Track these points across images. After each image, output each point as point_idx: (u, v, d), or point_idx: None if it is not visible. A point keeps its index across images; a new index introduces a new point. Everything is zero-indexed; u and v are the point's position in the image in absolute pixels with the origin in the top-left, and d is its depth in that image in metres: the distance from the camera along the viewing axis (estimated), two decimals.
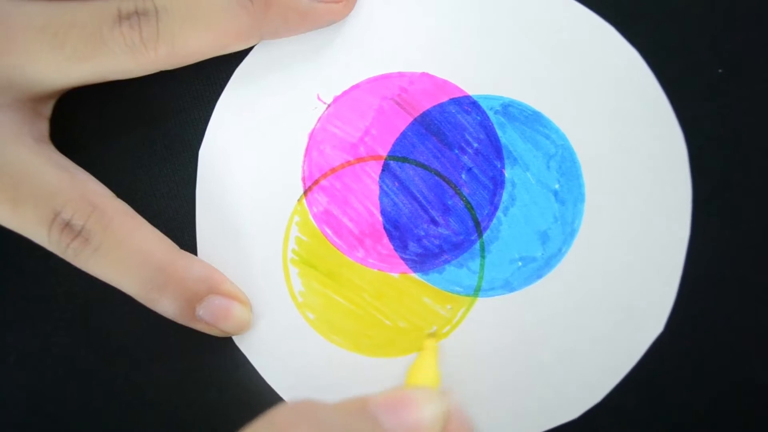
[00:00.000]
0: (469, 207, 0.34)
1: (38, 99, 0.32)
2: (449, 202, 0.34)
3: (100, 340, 0.35)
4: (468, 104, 0.33)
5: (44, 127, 0.33)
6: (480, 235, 0.34)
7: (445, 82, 0.33)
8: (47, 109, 0.33)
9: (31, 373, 0.35)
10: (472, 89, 0.33)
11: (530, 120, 0.33)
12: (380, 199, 0.34)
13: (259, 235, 0.34)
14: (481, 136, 0.33)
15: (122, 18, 0.30)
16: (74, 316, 0.35)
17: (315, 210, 0.34)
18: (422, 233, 0.34)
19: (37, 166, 0.31)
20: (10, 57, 0.30)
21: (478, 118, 0.33)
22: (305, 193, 0.34)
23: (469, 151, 0.34)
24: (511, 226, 0.34)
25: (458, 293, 0.34)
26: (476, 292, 0.34)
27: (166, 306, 0.32)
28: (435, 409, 0.25)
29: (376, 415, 0.24)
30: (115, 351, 0.35)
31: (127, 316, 0.34)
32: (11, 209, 0.30)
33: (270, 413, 0.24)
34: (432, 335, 0.34)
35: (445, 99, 0.34)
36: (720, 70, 0.33)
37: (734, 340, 0.33)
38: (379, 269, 0.34)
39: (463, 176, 0.34)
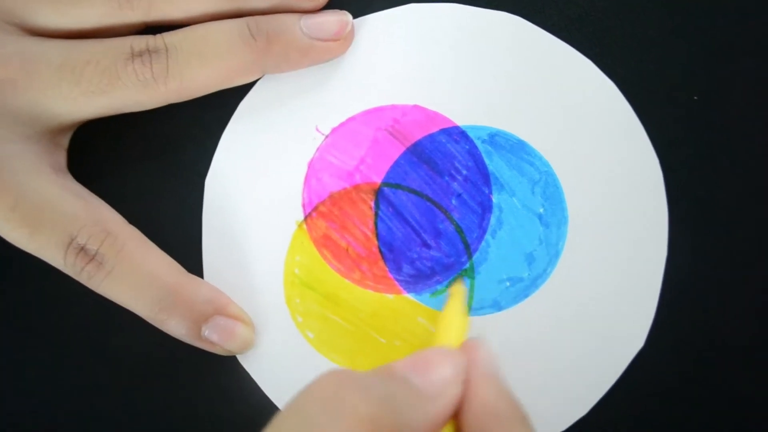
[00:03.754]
0: (459, 231, 0.35)
1: (57, 131, 0.33)
2: (440, 226, 0.35)
3: (110, 357, 0.35)
4: (457, 134, 0.35)
5: (62, 158, 0.34)
6: (470, 257, 0.35)
7: (435, 113, 0.35)
8: (65, 141, 0.34)
9: (44, 387, 0.36)
10: (461, 120, 0.35)
11: (515, 148, 0.34)
12: (375, 223, 0.35)
13: (262, 259, 0.35)
14: (470, 164, 0.35)
15: (135, 55, 0.32)
16: (87, 335, 0.35)
17: (314, 234, 0.35)
18: (415, 256, 0.35)
19: (55, 194, 0.32)
20: (32, 92, 0.31)
21: (467, 147, 0.35)
22: (305, 218, 0.35)
23: (459, 178, 0.35)
24: (499, 249, 0.34)
25: None
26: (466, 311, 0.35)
27: (174, 326, 0.33)
28: (456, 365, 0.26)
29: (406, 377, 0.25)
30: (124, 368, 0.35)
31: (136, 335, 0.34)
32: (30, 234, 0.31)
33: (313, 382, 0.24)
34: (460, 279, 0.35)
35: (435, 129, 0.35)
36: (695, 98, 0.34)
37: (711, 353, 0.34)
38: (375, 290, 0.35)
39: (453, 202, 0.35)
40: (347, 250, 0.35)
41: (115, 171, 0.35)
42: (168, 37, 0.32)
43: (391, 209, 0.35)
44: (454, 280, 0.34)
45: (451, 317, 0.31)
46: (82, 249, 0.32)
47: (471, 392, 0.26)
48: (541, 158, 0.34)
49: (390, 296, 0.35)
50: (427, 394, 0.25)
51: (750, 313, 0.34)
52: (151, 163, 0.35)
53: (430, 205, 0.35)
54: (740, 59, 0.34)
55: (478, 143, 0.35)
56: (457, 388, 0.26)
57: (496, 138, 0.34)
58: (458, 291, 0.33)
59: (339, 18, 0.33)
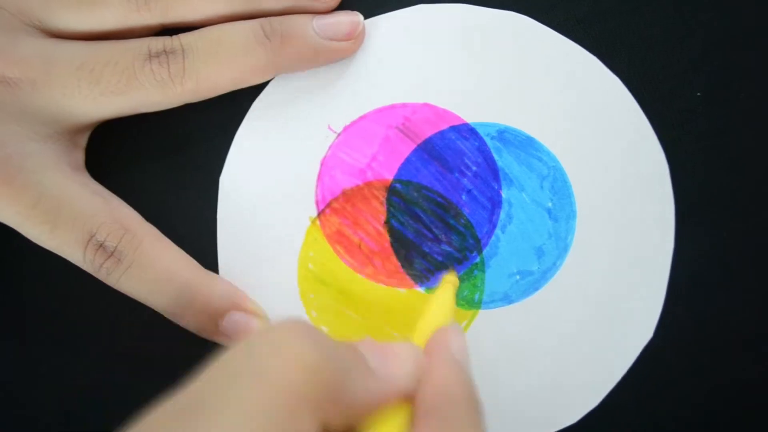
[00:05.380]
0: (470, 226, 0.35)
1: (75, 130, 0.33)
2: (451, 222, 0.35)
3: (127, 352, 0.36)
4: (466, 131, 0.35)
5: (80, 157, 0.34)
6: (480, 251, 0.35)
7: (445, 111, 0.35)
8: (83, 140, 0.34)
9: (60, 384, 0.36)
10: (470, 117, 0.35)
11: (524, 144, 0.35)
12: (387, 219, 0.35)
13: (276, 255, 0.35)
14: (479, 160, 0.35)
15: (152, 56, 0.32)
16: (103, 330, 0.36)
17: (328, 231, 0.35)
18: (427, 250, 0.35)
19: (74, 192, 0.32)
20: (51, 92, 0.32)
21: (476, 143, 0.35)
22: (318, 215, 0.35)
23: (469, 174, 0.35)
24: (508, 243, 0.35)
25: (461, 306, 0.35)
26: (478, 304, 0.35)
27: (191, 321, 0.33)
28: (413, 362, 0.26)
29: (363, 354, 0.25)
30: (141, 363, 0.36)
31: (153, 331, 0.35)
32: (50, 231, 0.32)
33: (270, 325, 0.24)
34: (452, 270, 0.35)
35: (445, 127, 0.35)
36: (698, 94, 0.35)
37: (718, 342, 0.35)
38: (387, 285, 0.35)
39: (464, 197, 0.35)
40: (360, 245, 0.35)
41: (132, 169, 0.36)
42: (184, 38, 0.33)
43: (402, 205, 0.35)
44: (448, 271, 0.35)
45: (434, 309, 0.31)
46: (101, 246, 0.32)
47: (430, 374, 0.26)
48: (549, 154, 0.35)
49: (402, 290, 0.35)
50: (377, 372, 0.25)
51: (756, 304, 0.35)
52: (166, 161, 0.36)
53: (441, 201, 0.35)
54: (742, 55, 0.35)
55: (487, 140, 0.35)
56: (408, 380, 0.26)
57: (504, 134, 0.35)
58: (449, 280, 0.34)
59: (351, 19, 0.34)
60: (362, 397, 0.24)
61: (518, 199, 0.35)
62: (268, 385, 0.22)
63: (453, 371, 0.26)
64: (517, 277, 0.35)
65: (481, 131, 0.35)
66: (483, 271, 0.35)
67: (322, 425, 0.23)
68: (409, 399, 0.26)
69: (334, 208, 0.35)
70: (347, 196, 0.35)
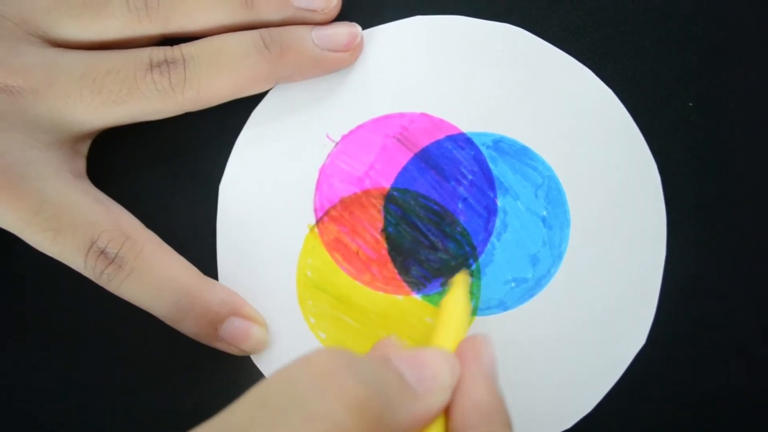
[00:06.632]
0: (466, 233, 0.35)
1: (77, 138, 0.34)
2: (447, 229, 0.35)
3: (127, 357, 0.36)
4: (462, 141, 0.35)
5: (82, 164, 0.34)
6: (476, 259, 0.35)
7: (442, 120, 0.36)
8: (84, 148, 0.35)
9: (61, 388, 0.36)
10: (466, 127, 0.35)
11: (519, 154, 0.35)
12: (385, 227, 0.35)
13: (275, 262, 0.35)
14: (475, 169, 0.35)
15: (153, 65, 0.32)
16: (104, 336, 0.36)
17: (326, 238, 0.36)
18: (423, 258, 0.35)
19: (75, 199, 0.33)
20: (54, 101, 0.32)
21: (472, 152, 0.35)
22: (317, 223, 0.36)
23: (465, 182, 0.35)
24: (504, 250, 0.35)
25: None
26: (473, 311, 0.35)
27: (191, 327, 0.34)
28: (452, 372, 0.26)
29: (400, 371, 0.25)
30: (140, 368, 0.36)
31: (153, 337, 0.35)
32: (52, 238, 0.32)
33: (307, 355, 0.24)
34: (465, 270, 0.35)
35: (441, 136, 0.35)
36: (690, 104, 0.36)
37: (710, 349, 0.35)
38: (385, 292, 0.35)
39: (460, 205, 0.35)
40: (358, 253, 0.36)
41: (132, 177, 0.36)
42: (185, 48, 0.33)
43: (399, 213, 0.35)
44: (457, 272, 0.35)
45: (452, 310, 0.31)
46: (102, 252, 0.32)
47: (464, 388, 0.26)
48: (543, 163, 0.35)
49: (399, 297, 0.36)
50: (417, 392, 0.25)
51: (747, 310, 0.36)
52: (167, 169, 0.36)
53: (437, 209, 0.36)
54: (733, 66, 0.36)
55: (483, 149, 0.35)
56: (448, 393, 0.26)
57: (500, 144, 0.35)
58: (461, 281, 0.34)
59: (349, 30, 0.34)
60: (407, 421, 0.24)
61: (513, 207, 0.35)
62: (317, 427, 0.22)
63: (487, 386, 0.27)
64: (512, 284, 0.35)
65: (476, 141, 0.36)
66: (479, 279, 0.35)
67: None
68: (445, 409, 0.26)
69: (332, 216, 0.36)
70: (345, 204, 0.36)
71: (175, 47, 0.33)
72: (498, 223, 0.35)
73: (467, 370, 0.27)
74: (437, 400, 0.26)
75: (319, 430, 0.22)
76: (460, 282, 0.33)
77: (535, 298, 0.35)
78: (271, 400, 0.23)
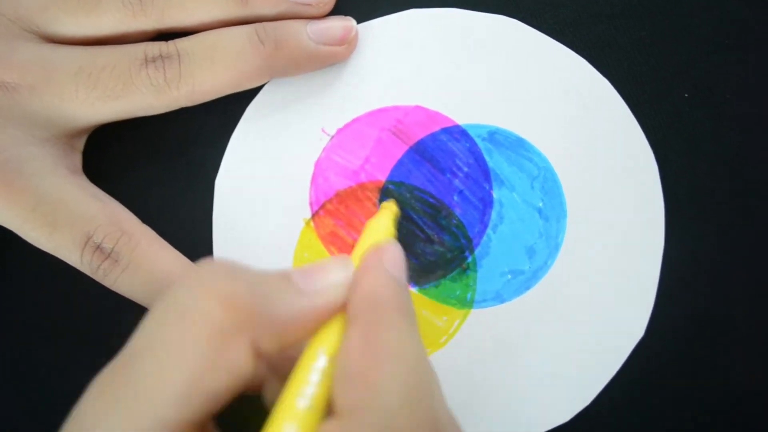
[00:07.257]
0: (461, 226, 0.36)
1: (73, 134, 0.34)
2: (443, 222, 0.35)
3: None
4: (458, 133, 0.36)
5: (78, 160, 0.35)
6: (472, 251, 0.35)
7: (437, 113, 0.36)
8: (80, 144, 0.35)
9: (58, 384, 0.36)
10: (461, 119, 0.36)
11: (514, 145, 0.35)
12: None
13: (272, 256, 0.36)
14: (471, 161, 0.36)
15: (148, 61, 0.33)
16: (101, 332, 0.36)
17: (322, 231, 0.36)
18: (419, 251, 0.36)
19: (72, 195, 0.33)
20: (49, 97, 0.32)
21: (467, 145, 0.36)
22: (313, 216, 0.36)
23: (460, 175, 0.36)
24: (500, 242, 0.35)
25: (453, 305, 0.35)
26: (470, 304, 0.35)
27: None
28: (341, 273, 0.27)
29: (288, 275, 0.26)
30: None
31: None
32: (48, 233, 0.32)
33: (191, 270, 0.25)
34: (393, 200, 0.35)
35: (436, 129, 0.36)
36: (686, 95, 0.35)
37: (709, 342, 0.35)
38: None
39: (455, 198, 0.36)
40: (353, 246, 0.36)
41: (128, 172, 0.36)
42: (180, 43, 0.33)
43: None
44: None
45: (371, 230, 0.31)
46: (98, 247, 0.33)
47: (358, 282, 0.27)
48: (539, 154, 0.35)
49: None
50: (301, 288, 0.26)
51: (745, 302, 0.35)
52: (162, 164, 0.36)
53: (433, 202, 0.36)
54: (727, 57, 0.36)
55: (478, 141, 0.35)
56: (337, 290, 0.26)
57: (495, 136, 0.35)
58: (388, 207, 0.34)
59: (344, 24, 0.34)
60: (289, 314, 0.25)
61: (509, 199, 0.35)
62: (190, 323, 0.23)
63: (380, 278, 0.27)
64: (509, 276, 0.35)
65: (472, 133, 0.36)
66: (475, 271, 0.35)
67: (254, 349, 0.24)
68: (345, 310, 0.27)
69: (328, 209, 0.36)
70: (341, 197, 0.36)
71: (170, 42, 0.33)
72: (494, 215, 0.36)
73: (364, 268, 0.27)
74: (324, 296, 0.26)
75: (194, 326, 0.23)
76: (385, 207, 0.34)
77: (531, 290, 0.35)
78: (157, 313, 0.24)
